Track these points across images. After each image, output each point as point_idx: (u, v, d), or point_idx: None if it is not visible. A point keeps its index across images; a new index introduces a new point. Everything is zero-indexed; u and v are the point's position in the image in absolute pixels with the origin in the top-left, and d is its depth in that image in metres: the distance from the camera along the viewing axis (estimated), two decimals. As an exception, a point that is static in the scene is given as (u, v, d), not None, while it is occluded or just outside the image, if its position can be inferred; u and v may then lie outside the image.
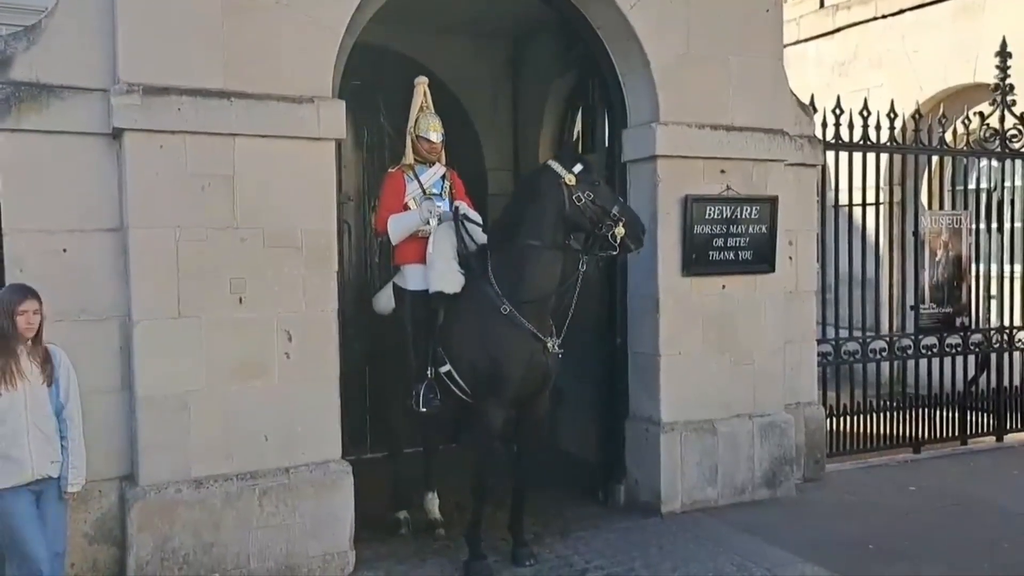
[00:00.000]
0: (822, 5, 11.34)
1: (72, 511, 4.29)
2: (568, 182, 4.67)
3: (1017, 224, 7.98)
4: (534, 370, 4.76)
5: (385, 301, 5.29)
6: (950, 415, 7.58)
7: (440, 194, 5.14)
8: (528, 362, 4.72)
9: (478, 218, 5.18)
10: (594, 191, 4.71)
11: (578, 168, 4.72)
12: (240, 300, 4.47)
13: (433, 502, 5.51)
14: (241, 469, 4.50)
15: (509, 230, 4.82)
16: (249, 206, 4.48)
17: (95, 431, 4.35)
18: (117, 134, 4.30)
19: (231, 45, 4.44)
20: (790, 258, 6.23)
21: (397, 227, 5.04)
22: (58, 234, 4.28)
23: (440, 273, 4.83)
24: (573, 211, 4.68)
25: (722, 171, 5.75)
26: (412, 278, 5.02)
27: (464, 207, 5.12)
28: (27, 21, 4.64)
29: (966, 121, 7.63)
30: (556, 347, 4.82)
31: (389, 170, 5.30)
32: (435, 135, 5.13)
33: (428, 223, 4.96)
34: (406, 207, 5.07)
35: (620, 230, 4.64)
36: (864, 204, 7.23)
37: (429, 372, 4.86)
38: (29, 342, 3.69)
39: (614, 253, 4.84)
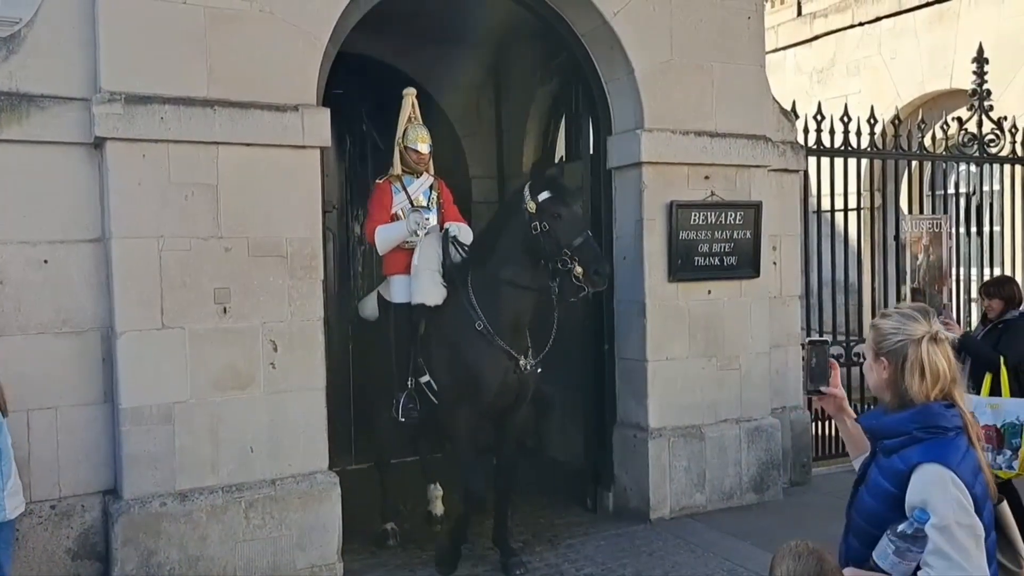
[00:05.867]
0: (799, 13, 11.44)
1: (54, 527, 4.24)
2: (530, 209, 4.52)
3: (996, 228, 8.07)
4: (506, 386, 4.73)
5: (371, 307, 5.28)
6: (933, 417, 7.61)
7: (428, 205, 5.13)
8: (500, 379, 4.69)
9: (469, 236, 5.14)
10: (552, 223, 4.45)
11: (544, 196, 4.49)
12: (225, 310, 4.43)
13: (436, 492, 5.48)
14: (227, 481, 4.45)
15: (486, 251, 4.80)
16: (233, 215, 4.45)
17: (77, 445, 4.32)
18: (99, 143, 4.26)
19: (215, 53, 4.41)
20: (774, 263, 6.27)
21: (384, 238, 5.02)
22: (39, 245, 4.23)
23: (423, 285, 4.82)
24: (531, 240, 4.53)
25: (706, 177, 5.78)
26: (397, 290, 5.02)
27: (455, 228, 5.04)
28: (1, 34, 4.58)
29: (944, 126, 7.71)
30: (530, 366, 4.75)
31: (377, 180, 5.28)
32: (423, 146, 5.12)
33: (415, 235, 4.94)
34: (394, 218, 5.05)
35: (578, 269, 4.40)
36: (846, 209, 7.27)
37: (409, 382, 4.85)
38: None
39: (583, 294, 4.56)
